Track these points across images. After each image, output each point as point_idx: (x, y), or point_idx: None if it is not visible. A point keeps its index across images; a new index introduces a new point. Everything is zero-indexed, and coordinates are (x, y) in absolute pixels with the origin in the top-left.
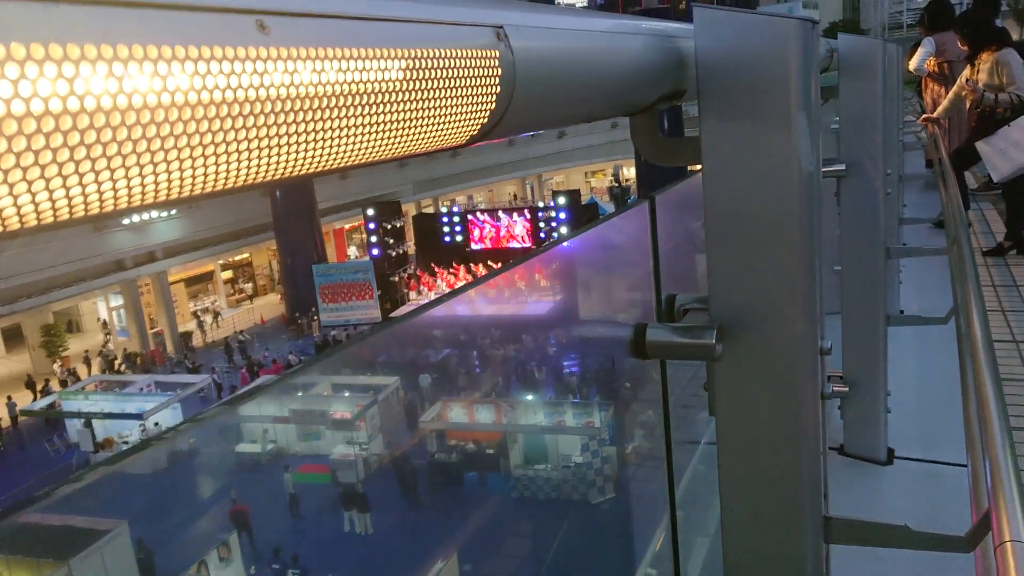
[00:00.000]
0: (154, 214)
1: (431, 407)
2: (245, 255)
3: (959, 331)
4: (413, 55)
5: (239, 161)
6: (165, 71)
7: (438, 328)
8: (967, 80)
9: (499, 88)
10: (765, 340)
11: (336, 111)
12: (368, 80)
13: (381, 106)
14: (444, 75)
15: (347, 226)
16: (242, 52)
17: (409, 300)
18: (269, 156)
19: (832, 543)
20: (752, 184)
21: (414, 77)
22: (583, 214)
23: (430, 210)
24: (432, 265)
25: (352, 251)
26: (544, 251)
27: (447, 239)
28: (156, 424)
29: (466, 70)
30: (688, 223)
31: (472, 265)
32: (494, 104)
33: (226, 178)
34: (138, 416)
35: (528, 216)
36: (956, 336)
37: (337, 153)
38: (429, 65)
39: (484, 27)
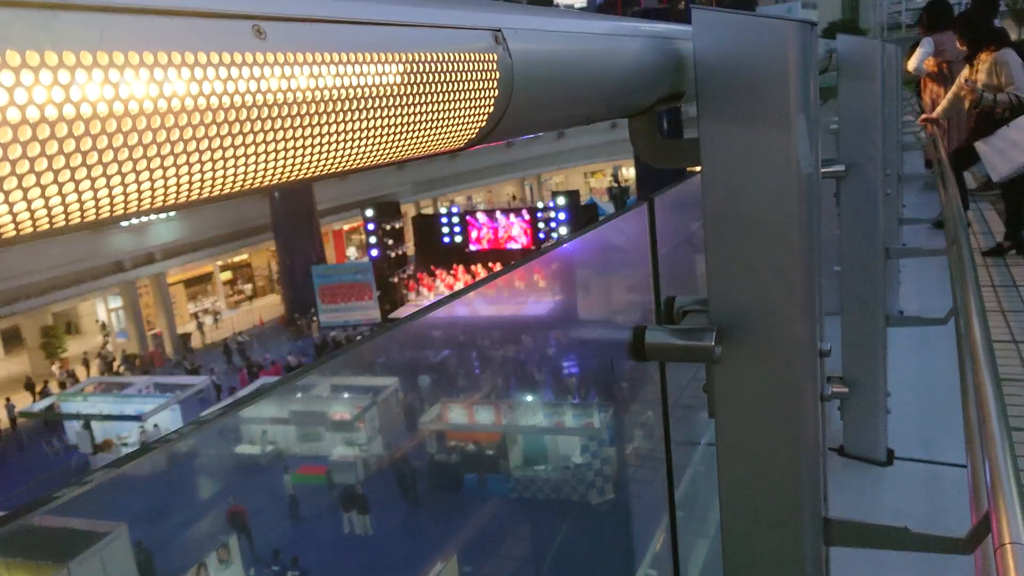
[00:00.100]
0: (152, 216)
1: (431, 408)
2: (244, 256)
3: (958, 332)
4: (410, 59)
5: (236, 167)
6: (161, 77)
7: (442, 329)
8: (966, 80)
9: (497, 91)
10: (765, 342)
11: (334, 116)
12: (365, 85)
13: (379, 111)
14: (442, 79)
15: (346, 227)
16: (238, 58)
17: (408, 301)
18: (267, 161)
19: (832, 545)
20: (751, 186)
21: (412, 81)
22: (582, 214)
23: (429, 211)
24: (431, 267)
25: (351, 252)
26: (543, 253)
27: (446, 240)
28: (155, 426)
29: (464, 74)
30: (687, 225)
31: (471, 266)
32: (492, 108)
33: (223, 184)
34: (137, 418)
35: (527, 217)
36: (956, 336)
37: (335, 158)
38: (426, 69)
39: (481, 31)
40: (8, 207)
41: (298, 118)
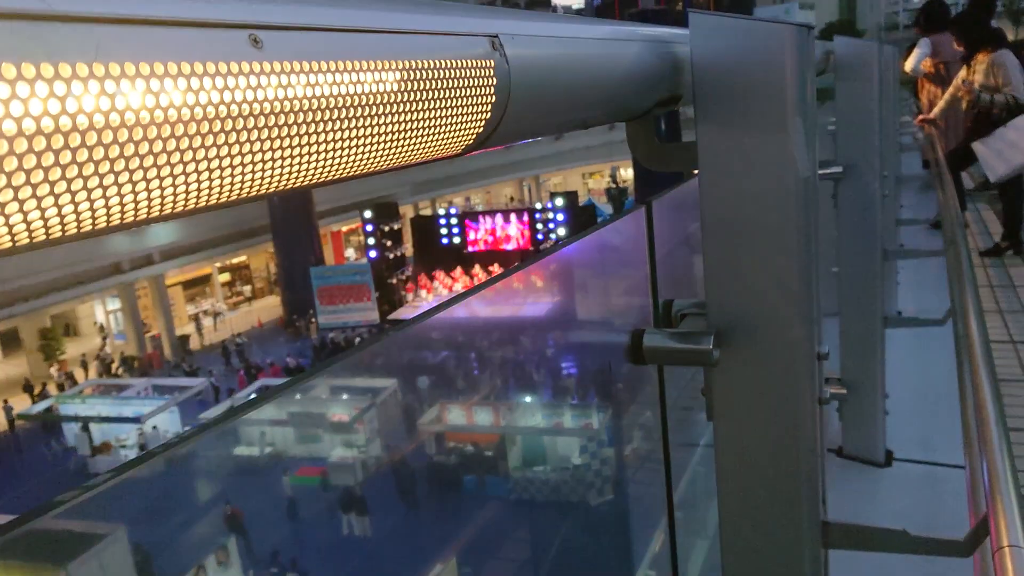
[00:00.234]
0: None
1: (430, 409)
2: (243, 258)
3: (956, 332)
4: (407, 66)
5: (234, 176)
6: (158, 87)
7: (443, 331)
8: (963, 81)
9: (494, 97)
10: (762, 345)
11: (331, 124)
12: (362, 92)
13: (376, 118)
14: (439, 85)
15: (345, 228)
16: (235, 67)
17: (406, 303)
18: (265, 170)
19: (830, 548)
20: (749, 189)
21: (409, 88)
22: (581, 215)
23: (428, 212)
24: (430, 268)
25: (350, 253)
26: (542, 257)
27: (445, 241)
28: (154, 428)
29: (461, 80)
30: (685, 228)
31: (471, 268)
32: (489, 113)
33: (222, 192)
34: (136, 420)
35: (526, 218)
36: (954, 337)
37: (333, 166)
38: (424, 76)
39: (479, 37)
40: (4, 219)
41: (295, 126)
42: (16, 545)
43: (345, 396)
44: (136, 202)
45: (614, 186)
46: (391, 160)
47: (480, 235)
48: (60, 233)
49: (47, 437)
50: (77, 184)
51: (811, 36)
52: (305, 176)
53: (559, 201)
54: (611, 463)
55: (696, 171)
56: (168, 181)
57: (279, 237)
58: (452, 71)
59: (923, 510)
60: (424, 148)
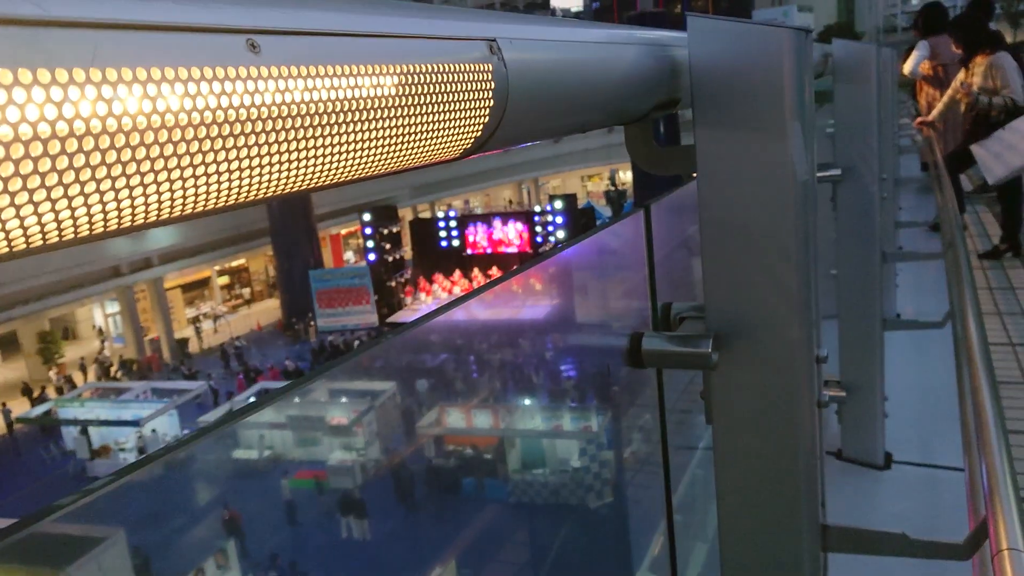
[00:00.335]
0: None
1: (428, 412)
2: (242, 261)
3: (955, 335)
4: (405, 71)
5: (231, 181)
6: (155, 93)
7: (442, 334)
8: (962, 83)
9: (492, 101)
10: (761, 349)
11: (329, 128)
12: (360, 97)
13: (374, 123)
14: (437, 90)
15: (344, 231)
16: (232, 72)
17: (405, 306)
18: (263, 175)
19: (830, 551)
20: (747, 193)
21: (407, 92)
22: (580, 218)
23: (427, 215)
24: (429, 271)
25: (349, 256)
26: (541, 260)
27: (444, 244)
28: (153, 431)
29: (459, 84)
30: (683, 231)
31: (470, 271)
32: (487, 117)
33: (220, 198)
34: (135, 423)
35: (525, 221)
36: (952, 340)
37: (331, 171)
38: (421, 80)
39: (476, 41)
40: (1, 225)
41: (293, 131)
42: (15, 549)
43: (344, 399)
44: (133, 208)
45: (613, 189)
46: (388, 165)
47: (479, 238)
48: (57, 239)
49: (46, 440)
50: (74, 190)
51: (809, 39)
52: (303, 181)
53: (558, 204)
54: (610, 466)
55: (695, 174)
56: (165, 187)
57: (278, 240)
58: (450, 75)
59: (922, 513)
60: (422, 152)
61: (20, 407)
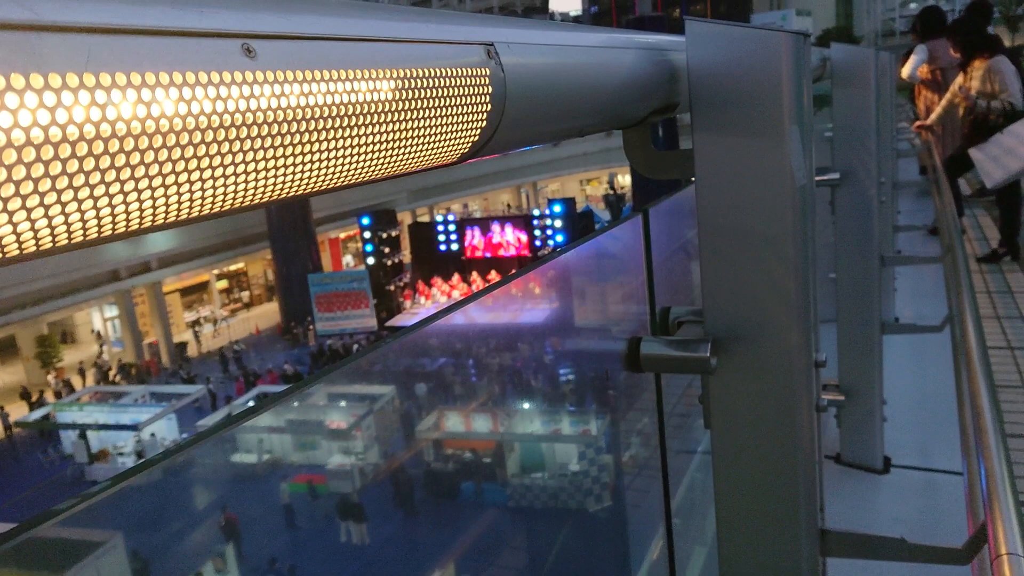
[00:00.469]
0: None
1: (427, 416)
2: (240, 265)
3: (954, 338)
4: (402, 75)
5: (227, 185)
6: (150, 97)
7: (441, 338)
8: (960, 87)
9: (490, 106)
10: (760, 353)
11: (325, 133)
12: (357, 101)
13: (370, 127)
14: (434, 94)
15: (343, 235)
16: (228, 77)
17: (404, 309)
18: (260, 180)
19: (828, 556)
20: (745, 197)
21: (404, 97)
22: (579, 222)
23: (425, 219)
24: (428, 275)
25: (348, 260)
26: (540, 264)
27: (443, 248)
28: (152, 435)
29: (456, 89)
30: (682, 235)
31: (469, 275)
32: (485, 122)
33: (216, 203)
34: (133, 427)
35: (523, 225)
36: (951, 343)
37: (328, 175)
38: (418, 85)
39: (474, 45)
40: None
41: (289, 136)
42: (14, 553)
43: (343, 403)
44: (128, 213)
45: (612, 192)
46: (386, 169)
47: (478, 242)
48: (51, 245)
49: (44, 444)
50: (68, 196)
51: (807, 43)
52: (300, 186)
53: (557, 207)
54: (609, 470)
55: (693, 178)
56: (161, 192)
57: (277, 244)
58: (447, 80)
59: (921, 517)
60: (419, 157)
61: (18, 411)
